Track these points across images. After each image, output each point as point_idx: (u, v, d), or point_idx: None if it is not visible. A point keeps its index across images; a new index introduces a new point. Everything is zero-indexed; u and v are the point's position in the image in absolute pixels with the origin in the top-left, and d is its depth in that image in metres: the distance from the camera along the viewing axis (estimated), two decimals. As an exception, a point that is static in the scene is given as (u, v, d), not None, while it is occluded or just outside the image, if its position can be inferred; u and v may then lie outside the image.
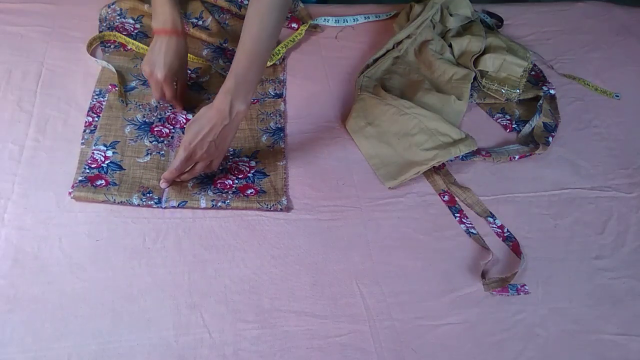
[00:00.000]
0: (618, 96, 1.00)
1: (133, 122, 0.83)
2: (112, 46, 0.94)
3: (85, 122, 0.82)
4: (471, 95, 0.93)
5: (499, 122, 0.93)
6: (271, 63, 0.95)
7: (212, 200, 0.75)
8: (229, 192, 0.77)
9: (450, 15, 1.01)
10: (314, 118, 0.90)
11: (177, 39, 0.80)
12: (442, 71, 0.94)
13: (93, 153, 0.78)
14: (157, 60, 0.78)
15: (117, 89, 0.86)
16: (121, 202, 0.73)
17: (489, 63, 0.95)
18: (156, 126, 0.83)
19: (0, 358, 0.60)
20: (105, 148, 0.79)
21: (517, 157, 0.86)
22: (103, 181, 0.75)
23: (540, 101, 0.92)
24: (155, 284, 0.68)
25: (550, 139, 0.89)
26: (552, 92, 0.96)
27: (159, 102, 0.86)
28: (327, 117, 0.90)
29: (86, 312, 0.64)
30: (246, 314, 0.67)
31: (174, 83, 0.82)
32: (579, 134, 0.93)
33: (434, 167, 0.81)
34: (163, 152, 0.80)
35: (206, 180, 0.78)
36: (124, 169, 0.77)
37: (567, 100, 0.97)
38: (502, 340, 0.68)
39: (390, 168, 0.82)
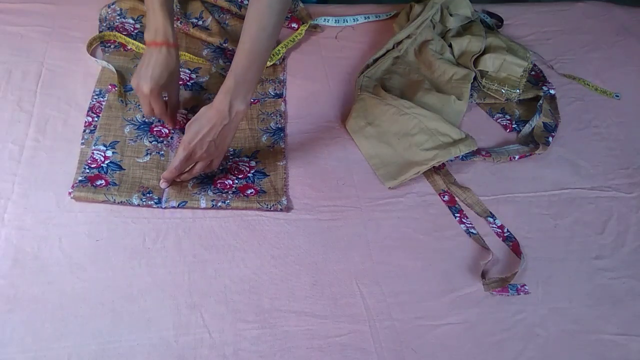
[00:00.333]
0: (618, 96, 1.00)
1: (133, 122, 0.83)
2: (112, 46, 0.94)
3: (85, 122, 0.82)
4: (471, 95, 0.94)
5: (499, 122, 0.93)
6: (271, 63, 0.95)
7: (212, 200, 0.75)
8: (229, 192, 0.77)
9: (450, 15, 1.01)
10: (314, 118, 0.90)
11: (168, 51, 0.76)
12: (442, 71, 0.94)
13: (93, 153, 0.78)
14: (144, 72, 0.75)
15: (116, 89, 0.86)
16: (121, 202, 0.73)
17: (489, 63, 0.95)
18: (156, 126, 0.83)
19: (0, 358, 0.60)
20: (105, 148, 0.79)
21: (517, 157, 0.86)
22: (103, 181, 0.75)
23: (540, 101, 0.92)
24: (155, 284, 0.68)
25: (550, 139, 0.89)
26: (552, 92, 0.96)
27: (148, 118, 0.83)
28: (327, 117, 0.90)
29: (86, 312, 0.64)
30: (246, 314, 0.67)
31: (164, 97, 0.78)
32: (579, 134, 0.93)
33: (434, 167, 0.81)
34: (163, 152, 0.80)
35: (206, 180, 0.78)
36: (124, 169, 0.77)
37: (567, 100, 0.97)
38: (502, 340, 0.68)
39: (390, 168, 0.82)
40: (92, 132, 0.81)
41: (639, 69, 1.05)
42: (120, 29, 0.96)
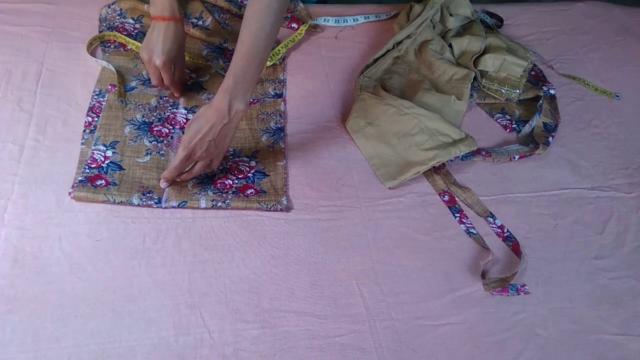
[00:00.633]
0: (618, 96, 1.00)
1: (133, 122, 0.83)
2: (112, 46, 0.94)
3: (85, 122, 0.82)
4: (471, 95, 0.94)
5: (499, 122, 0.93)
6: (271, 63, 0.95)
7: (212, 200, 0.75)
8: (229, 192, 0.77)
9: (450, 15, 1.02)
10: (314, 118, 0.90)
11: (175, 25, 0.81)
12: (442, 71, 0.94)
13: (93, 153, 0.78)
14: (155, 46, 0.79)
15: (116, 89, 0.86)
16: (121, 202, 0.73)
17: (489, 63, 0.95)
18: (156, 126, 0.83)
19: (0, 358, 0.60)
20: (105, 148, 0.79)
21: (517, 157, 0.86)
22: (103, 181, 0.75)
23: (540, 101, 0.92)
24: (155, 284, 0.68)
25: (550, 139, 0.89)
26: (552, 92, 0.96)
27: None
28: (327, 117, 0.90)
29: (86, 312, 0.64)
30: (246, 314, 0.67)
31: (172, 68, 0.83)
32: (579, 134, 0.93)
33: (434, 167, 0.81)
34: (163, 152, 0.80)
35: (206, 180, 0.78)
36: (124, 169, 0.77)
37: (567, 100, 0.97)
38: (502, 340, 0.68)
39: (390, 168, 0.82)
40: (92, 132, 0.81)
41: (639, 69, 1.06)
42: (120, 29, 0.96)
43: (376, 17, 1.08)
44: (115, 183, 0.75)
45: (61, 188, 0.74)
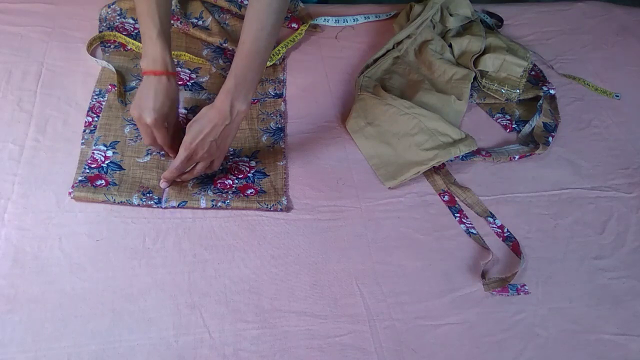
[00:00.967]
0: (618, 96, 1.00)
1: (133, 122, 0.83)
2: (112, 46, 0.94)
3: (85, 122, 0.82)
4: (471, 95, 0.94)
5: (499, 122, 0.93)
6: (271, 63, 0.95)
7: (212, 200, 0.75)
8: (229, 192, 0.77)
9: (450, 15, 1.01)
10: (314, 118, 0.90)
11: (168, 80, 0.73)
12: (442, 71, 0.94)
13: (93, 153, 0.78)
14: (145, 103, 0.71)
15: (116, 89, 0.86)
16: (121, 202, 0.73)
17: (489, 63, 0.95)
18: (156, 126, 0.83)
19: (0, 358, 0.60)
20: (105, 148, 0.79)
21: (517, 157, 0.86)
22: (103, 181, 0.75)
23: (540, 101, 0.92)
24: (155, 284, 0.68)
25: (550, 139, 0.89)
26: (552, 92, 0.96)
27: (149, 150, 0.80)
28: (327, 117, 0.90)
29: (86, 312, 0.64)
30: (246, 314, 0.67)
31: (165, 126, 0.74)
32: (579, 134, 0.93)
33: (434, 167, 0.81)
34: (163, 152, 0.80)
35: (206, 180, 0.78)
36: (124, 169, 0.77)
37: (567, 100, 0.97)
38: (502, 340, 0.68)
39: (390, 168, 0.82)
40: (92, 132, 0.81)
41: (639, 69, 1.06)
42: (120, 29, 0.96)
43: (376, 17, 1.08)
44: (115, 183, 0.75)
45: (61, 188, 0.74)
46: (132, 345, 0.63)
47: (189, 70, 0.92)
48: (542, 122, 0.91)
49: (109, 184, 0.75)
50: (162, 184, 0.75)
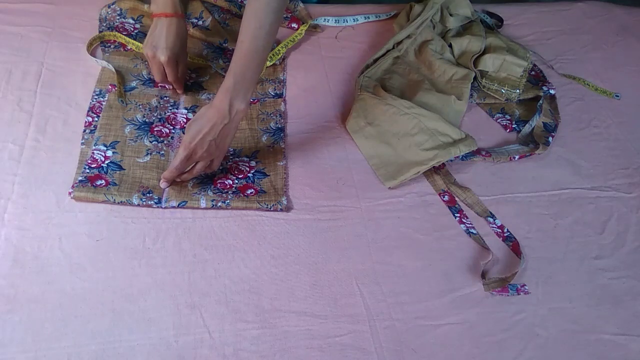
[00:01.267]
0: (618, 96, 1.00)
1: (133, 122, 0.83)
2: (112, 46, 0.94)
3: (85, 122, 0.82)
4: (471, 95, 0.94)
5: (499, 122, 0.93)
6: (271, 63, 0.95)
7: (212, 200, 0.75)
8: (229, 192, 0.77)
9: (450, 15, 1.01)
10: (314, 118, 0.90)
11: (178, 21, 0.82)
12: (442, 71, 0.94)
13: (93, 153, 0.78)
14: (159, 42, 0.81)
15: (116, 89, 0.86)
16: (121, 202, 0.73)
17: (489, 63, 0.95)
18: (156, 126, 0.83)
19: (0, 358, 0.60)
20: (105, 148, 0.79)
21: (517, 157, 0.86)
22: (103, 181, 0.75)
23: (540, 101, 0.92)
24: (155, 284, 0.68)
25: (550, 139, 0.89)
26: (552, 92, 0.96)
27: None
28: (327, 117, 0.90)
29: (86, 312, 0.64)
30: (246, 314, 0.67)
31: (176, 65, 0.83)
32: (579, 134, 0.93)
33: (434, 167, 0.81)
34: (163, 152, 0.80)
35: (206, 180, 0.78)
36: (124, 169, 0.77)
37: (567, 100, 0.97)
38: (502, 340, 0.68)
39: (390, 168, 0.82)
40: (92, 132, 0.81)
41: (639, 69, 1.06)
42: (120, 29, 0.96)
43: (376, 17, 1.08)
44: (115, 183, 0.75)
45: (61, 188, 0.74)
46: (132, 345, 0.63)
47: (189, 70, 0.92)
48: (542, 122, 0.91)
49: (109, 184, 0.75)
50: (162, 184, 0.75)
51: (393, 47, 0.99)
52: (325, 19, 1.05)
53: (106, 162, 0.77)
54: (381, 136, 0.85)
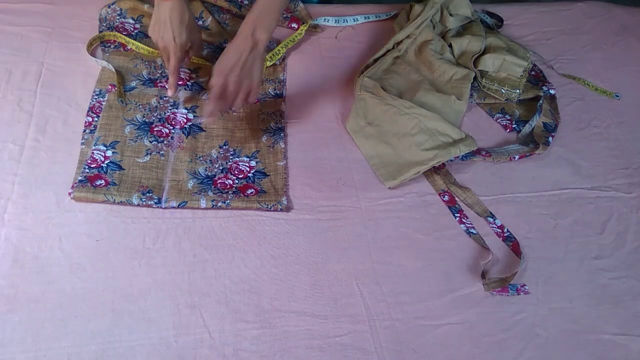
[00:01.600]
0: (618, 96, 1.00)
1: (133, 122, 0.83)
2: (112, 46, 0.94)
3: (85, 122, 0.82)
4: (471, 95, 0.93)
5: (499, 122, 0.93)
6: (271, 63, 0.95)
7: (212, 200, 0.75)
8: (229, 192, 0.77)
9: (450, 15, 1.01)
10: (314, 118, 0.90)
11: (180, 5, 0.80)
12: (442, 71, 0.94)
13: (93, 153, 0.78)
14: (166, 36, 0.80)
15: (116, 89, 0.86)
16: (121, 202, 0.73)
17: (489, 63, 0.95)
18: (156, 126, 0.83)
19: (0, 358, 0.60)
20: (105, 148, 0.79)
21: (517, 157, 0.86)
22: (103, 181, 0.75)
23: (540, 101, 0.92)
24: (155, 284, 0.68)
25: (550, 139, 0.89)
26: (552, 92, 0.96)
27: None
28: (327, 117, 0.90)
29: (86, 312, 0.64)
30: (246, 314, 0.67)
31: (188, 48, 0.84)
32: (579, 134, 0.93)
33: (434, 167, 0.81)
34: (163, 152, 0.80)
35: (206, 180, 0.78)
36: (124, 169, 0.77)
37: (567, 100, 0.97)
38: (502, 340, 0.68)
39: (390, 168, 0.82)
40: (92, 132, 0.81)
41: (639, 69, 1.05)
42: (120, 29, 0.96)
43: (376, 17, 1.08)
44: (115, 183, 0.75)
45: (61, 188, 0.74)
46: (132, 345, 0.63)
47: (189, 70, 0.92)
48: (542, 122, 0.91)
49: (109, 184, 0.75)
50: (207, 120, 0.79)
51: (393, 47, 0.99)
52: (325, 19, 1.05)
53: (106, 162, 0.77)
54: (381, 136, 0.85)
